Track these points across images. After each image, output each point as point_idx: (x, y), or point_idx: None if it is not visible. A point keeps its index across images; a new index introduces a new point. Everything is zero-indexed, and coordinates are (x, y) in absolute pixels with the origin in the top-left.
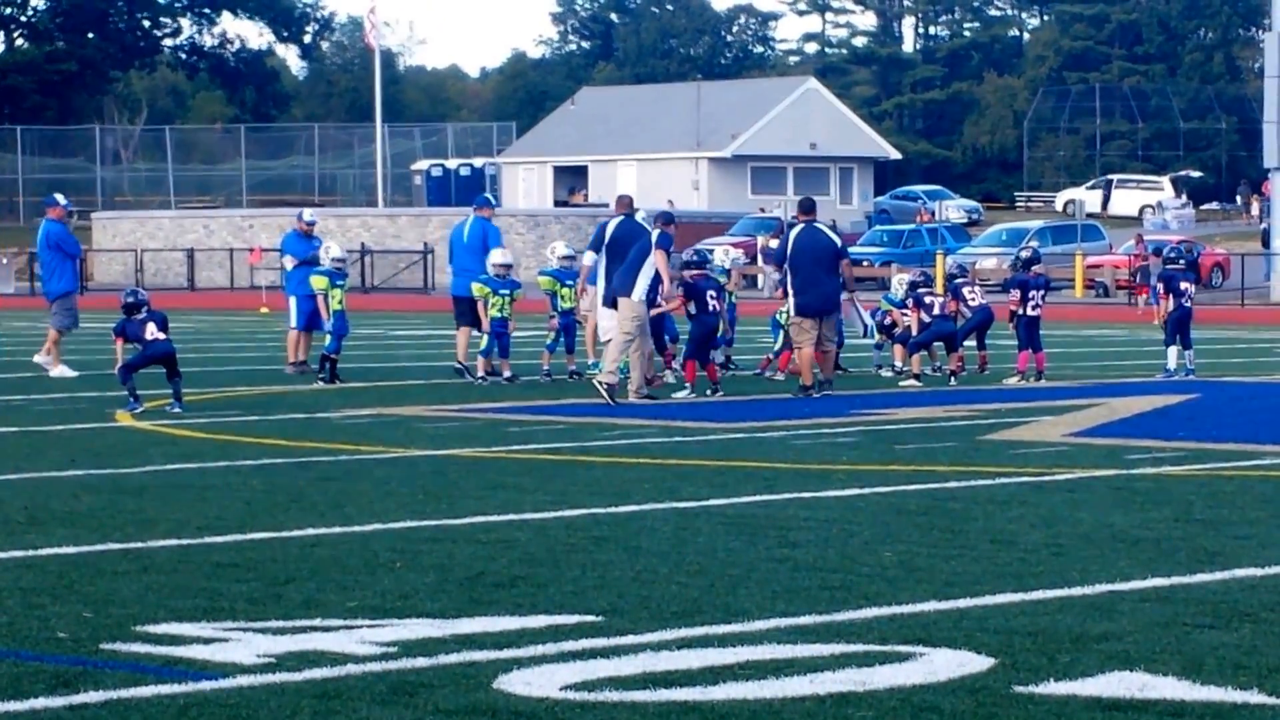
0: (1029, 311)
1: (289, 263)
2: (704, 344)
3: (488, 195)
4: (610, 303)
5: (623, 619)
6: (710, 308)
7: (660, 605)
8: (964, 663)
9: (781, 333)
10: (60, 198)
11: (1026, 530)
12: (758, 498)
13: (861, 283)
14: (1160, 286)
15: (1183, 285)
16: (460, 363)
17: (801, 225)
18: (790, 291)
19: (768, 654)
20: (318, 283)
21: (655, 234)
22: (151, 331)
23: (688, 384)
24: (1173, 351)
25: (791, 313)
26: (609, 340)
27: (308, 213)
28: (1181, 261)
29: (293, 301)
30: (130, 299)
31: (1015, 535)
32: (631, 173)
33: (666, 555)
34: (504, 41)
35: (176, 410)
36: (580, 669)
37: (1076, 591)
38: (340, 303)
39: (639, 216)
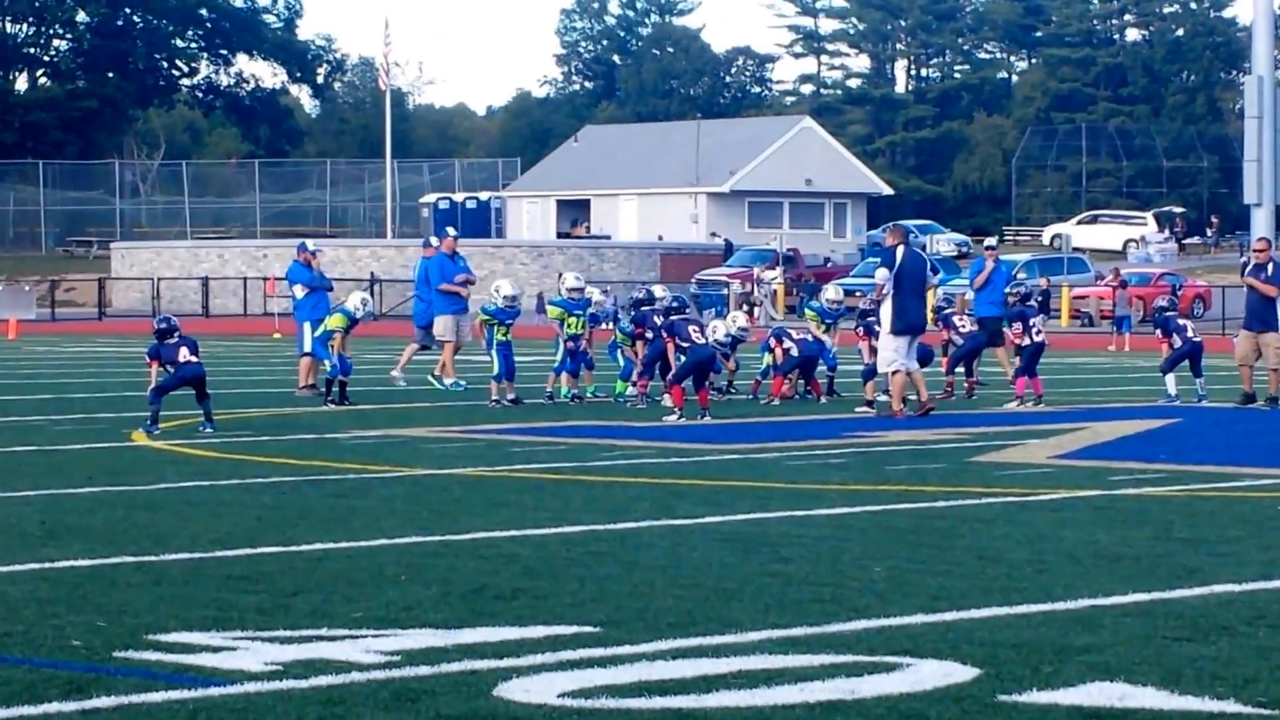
0: (1034, 339)
1: (299, 291)
2: (695, 371)
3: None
4: (916, 330)
5: (619, 630)
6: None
7: (656, 617)
8: (949, 673)
9: (768, 354)
10: (450, 230)
11: (1012, 547)
12: (751, 515)
13: (852, 313)
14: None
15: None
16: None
17: (905, 247)
18: (890, 310)
19: (759, 664)
20: (335, 322)
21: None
22: (184, 355)
23: (677, 408)
24: (1170, 379)
25: (888, 331)
26: (895, 371)
27: (310, 244)
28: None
29: (306, 327)
30: (163, 325)
31: (1001, 552)
32: (632, 207)
33: (662, 569)
34: (510, 81)
35: (208, 430)
36: (578, 677)
37: (1059, 606)
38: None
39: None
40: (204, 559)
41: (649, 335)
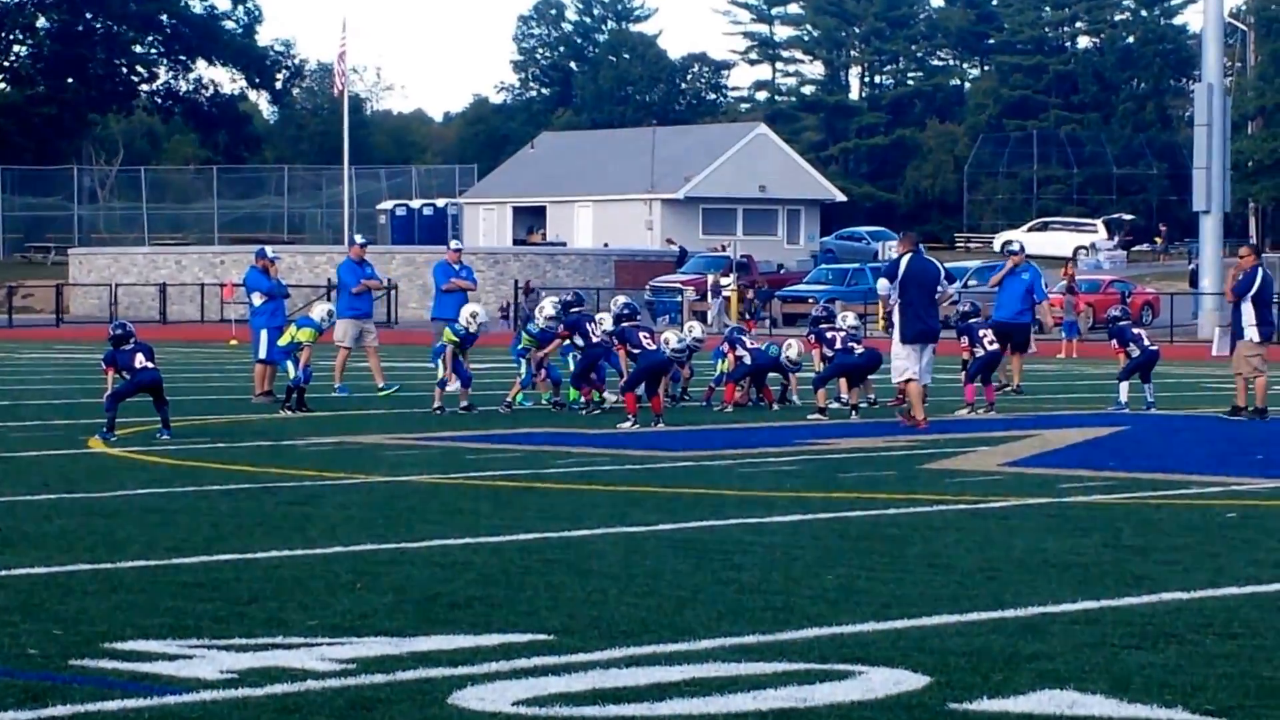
0: (987, 348)
1: (256, 298)
2: (648, 377)
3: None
4: (925, 338)
5: (574, 638)
6: (649, 346)
7: (610, 625)
8: (900, 681)
9: (721, 361)
10: (358, 238)
11: (962, 555)
12: (705, 523)
13: (805, 319)
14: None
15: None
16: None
17: (912, 254)
18: (897, 319)
19: (713, 672)
20: (304, 335)
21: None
22: (140, 361)
23: (631, 415)
24: (1124, 386)
25: (897, 340)
26: (908, 380)
27: (269, 250)
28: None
29: (263, 334)
30: (119, 331)
31: (952, 560)
32: (588, 214)
33: (616, 577)
34: (467, 87)
35: (165, 437)
36: (532, 685)
37: (1009, 613)
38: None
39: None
40: (160, 566)
41: (578, 340)
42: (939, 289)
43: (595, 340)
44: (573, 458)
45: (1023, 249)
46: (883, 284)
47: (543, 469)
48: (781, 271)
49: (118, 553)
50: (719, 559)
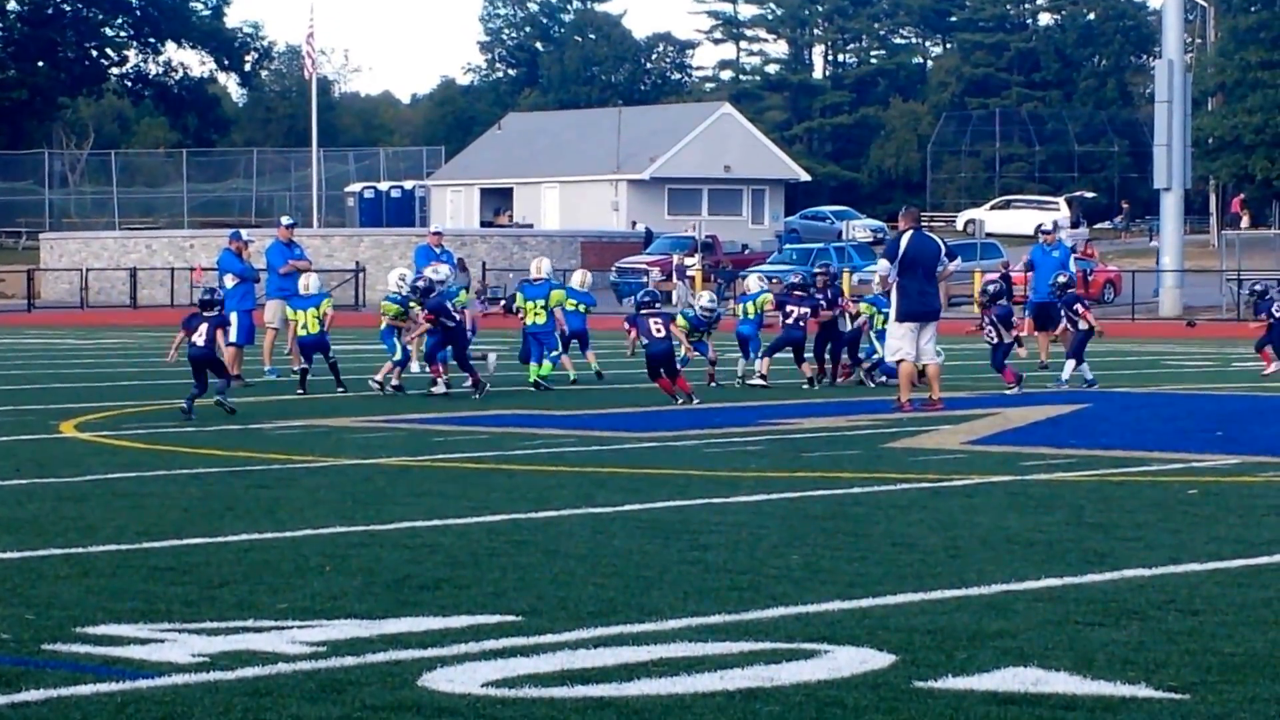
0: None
1: (229, 280)
2: (660, 365)
3: (280, 219)
4: (921, 317)
5: (541, 619)
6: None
7: (577, 605)
8: (866, 659)
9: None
10: (285, 219)
11: (926, 534)
12: (671, 503)
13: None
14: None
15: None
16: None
17: (912, 230)
18: (894, 296)
19: (680, 652)
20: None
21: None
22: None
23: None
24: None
25: (893, 319)
26: (900, 360)
27: (244, 233)
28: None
29: (233, 317)
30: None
31: (915, 538)
32: (555, 195)
33: (584, 558)
34: (434, 69)
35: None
36: (501, 667)
37: (973, 591)
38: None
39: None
40: (131, 551)
41: (446, 323)
42: (939, 266)
43: (454, 324)
44: (539, 439)
45: (1056, 226)
46: (883, 265)
47: (509, 450)
48: (746, 252)
49: (89, 537)
50: (685, 539)
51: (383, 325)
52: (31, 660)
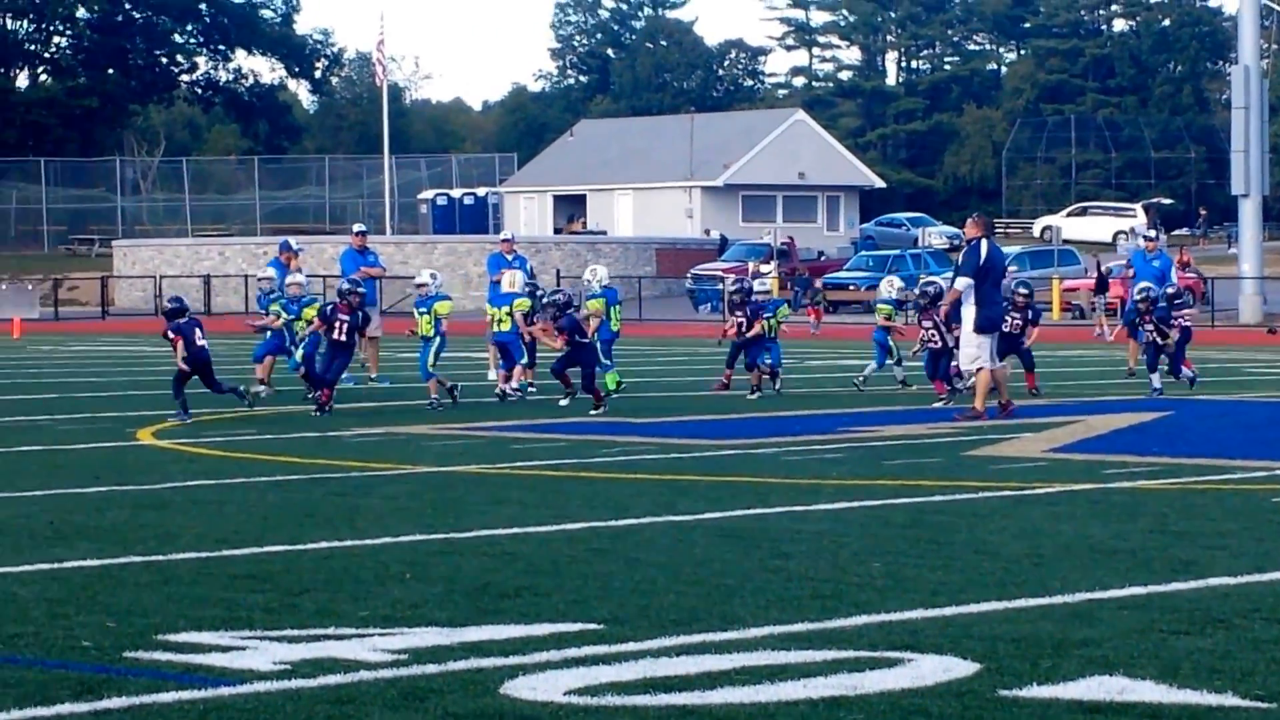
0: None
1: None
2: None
3: (353, 226)
4: (999, 326)
5: (623, 627)
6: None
7: (659, 614)
8: (950, 668)
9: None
10: (357, 226)
11: (1009, 542)
12: (751, 511)
13: (847, 306)
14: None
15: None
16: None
17: (989, 240)
18: (971, 306)
19: (762, 660)
20: (308, 312)
21: None
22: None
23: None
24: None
25: (972, 329)
26: (980, 369)
27: (293, 242)
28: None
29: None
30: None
31: (998, 546)
32: (628, 201)
33: (664, 566)
34: (505, 76)
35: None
36: (583, 675)
37: (1057, 600)
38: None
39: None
40: (211, 558)
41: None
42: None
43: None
44: (618, 447)
45: (1158, 235)
46: (963, 282)
47: (588, 458)
48: (822, 258)
49: (169, 544)
50: (766, 547)
51: (501, 329)
52: (113, 668)
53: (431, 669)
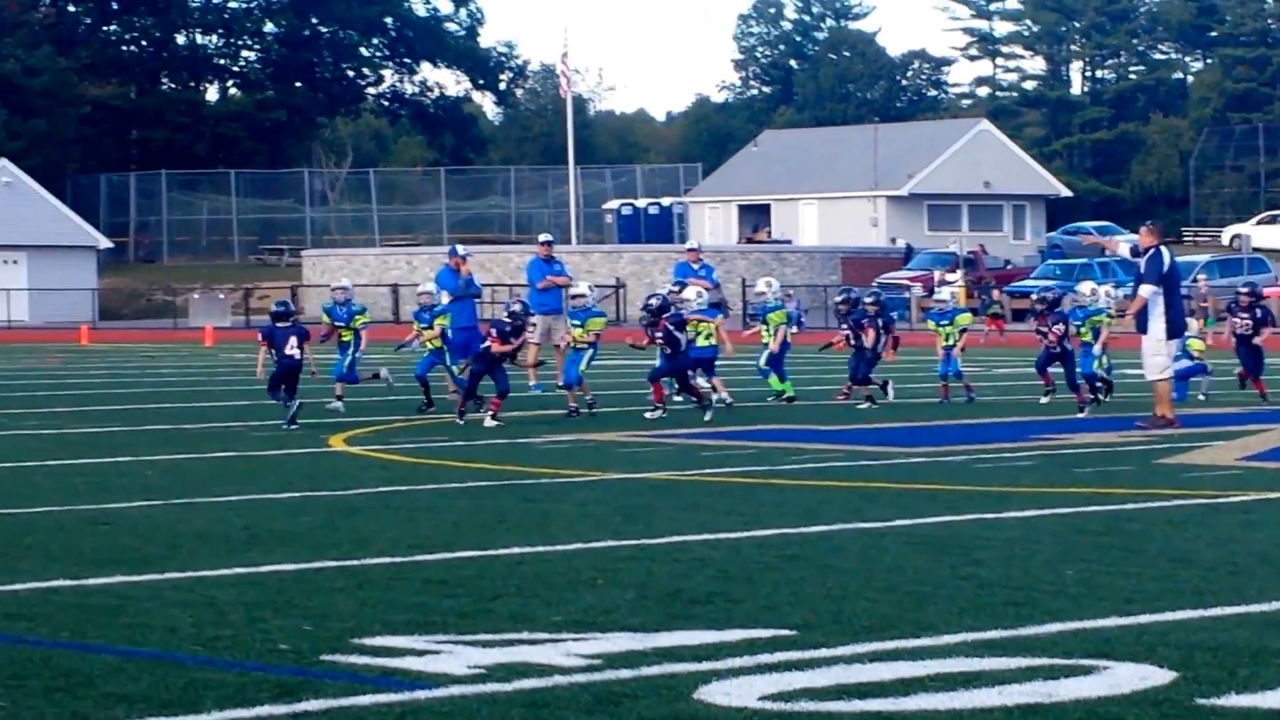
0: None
1: (444, 298)
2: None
3: (539, 236)
4: (1178, 335)
5: (816, 633)
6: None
7: (851, 620)
8: (1146, 676)
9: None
10: (542, 236)
11: (1203, 549)
12: (941, 518)
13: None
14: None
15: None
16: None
17: (1164, 247)
18: (1158, 314)
19: (956, 667)
20: (440, 321)
21: None
22: (290, 345)
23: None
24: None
25: (1159, 337)
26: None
27: (460, 249)
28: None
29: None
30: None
31: (1193, 554)
32: (812, 211)
33: (855, 573)
34: (688, 86)
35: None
36: (777, 680)
37: (1254, 608)
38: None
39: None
40: (404, 563)
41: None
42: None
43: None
44: (806, 454)
45: None
46: (1148, 289)
47: (777, 465)
48: (1009, 267)
49: (362, 549)
50: (958, 554)
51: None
52: (311, 670)
53: (625, 674)
